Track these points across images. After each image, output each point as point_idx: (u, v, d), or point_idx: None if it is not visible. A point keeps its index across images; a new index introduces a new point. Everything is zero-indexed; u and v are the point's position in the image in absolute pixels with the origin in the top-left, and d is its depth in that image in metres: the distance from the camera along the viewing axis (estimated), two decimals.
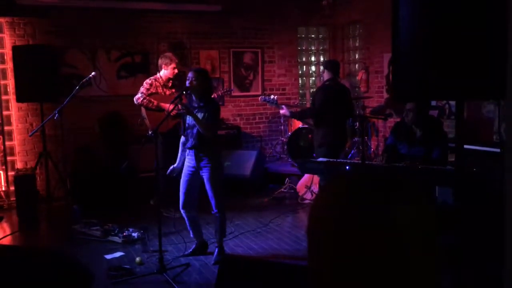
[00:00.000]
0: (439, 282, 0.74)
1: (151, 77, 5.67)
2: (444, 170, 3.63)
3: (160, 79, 5.61)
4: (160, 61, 5.71)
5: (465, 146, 3.97)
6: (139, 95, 5.49)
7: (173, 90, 5.69)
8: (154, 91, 5.54)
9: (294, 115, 5.68)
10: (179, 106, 4.21)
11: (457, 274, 2.28)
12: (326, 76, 5.30)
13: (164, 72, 5.61)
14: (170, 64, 5.58)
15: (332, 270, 0.71)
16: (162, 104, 5.44)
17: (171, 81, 5.70)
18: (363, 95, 7.75)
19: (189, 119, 4.18)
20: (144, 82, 5.61)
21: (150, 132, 4.77)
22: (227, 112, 7.72)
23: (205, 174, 4.19)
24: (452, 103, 6.10)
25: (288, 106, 5.88)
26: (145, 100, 5.45)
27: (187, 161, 4.27)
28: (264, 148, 8.03)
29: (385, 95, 7.56)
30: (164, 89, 5.62)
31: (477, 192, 3.32)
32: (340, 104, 5.23)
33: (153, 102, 5.46)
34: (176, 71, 5.64)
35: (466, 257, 2.76)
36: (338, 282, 0.70)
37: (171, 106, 4.41)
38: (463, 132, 2.48)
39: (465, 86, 2.12)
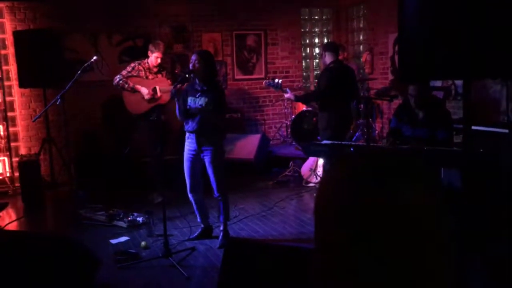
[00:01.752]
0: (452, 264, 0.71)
1: (138, 61, 5.60)
2: (451, 151, 3.59)
3: (146, 64, 5.54)
4: (149, 46, 5.64)
5: (472, 127, 3.92)
6: (117, 76, 5.47)
7: (159, 76, 5.58)
8: (135, 74, 5.50)
9: (299, 99, 5.63)
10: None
11: (463, 257, 2.26)
12: (329, 58, 5.24)
13: (150, 58, 5.54)
14: (154, 52, 5.48)
15: (338, 252, 0.70)
16: (137, 87, 5.42)
17: (156, 67, 5.59)
18: (367, 76, 7.67)
19: (191, 102, 4.14)
20: (128, 65, 5.58)
21: (153, 116, 4.77)
22: (230, 96, 7.66)
23: (206, 158, 4.17)
24: (458, 84, 6.04)
25: (291, 89, 5.82)
26: (121, 82, 5.42)
27: (187, 144, 4.24)
28: (268, 131, 7.99)
29: (390, 77, 7.48)
30: (147, 73, 5.53)
31: (485, 173, 3.28)
32: (345, 86, 5.18)
33: (128, 84, 5.42)
34: (159, 60, 5.53)
35: (472, 239, 2.74)
36: (344, 265, 0.69)
37: (176, 88, 4.31)
38: (470, 112, 2.43)
39: (472, 64, 2.08)
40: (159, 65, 5.56)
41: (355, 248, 0.68)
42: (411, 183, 0.69)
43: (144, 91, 5.37)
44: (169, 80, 5.54)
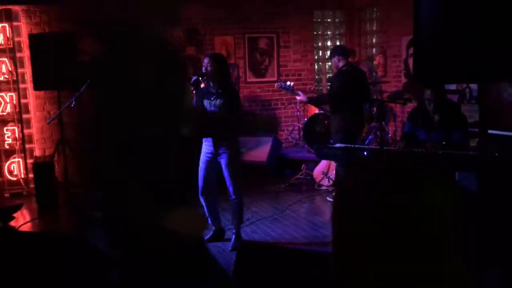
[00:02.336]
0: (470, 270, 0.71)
1: None
2: (467, 155, 3.55)
3: None
4: None
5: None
6: None
7: None
8: None
9: (311, 101, 5.62)
10: None
11: (479, 260, 2.23)
12: (341, 62, 5.23)
13: None
14: None
15: (356, 255, 0.71)
16: None
17: None
18: (380, 79, 7.63)
19: (206, 105, 4.15)
20: None
21: None
22: (242, 99, 7.66)
23: (223, 160, 4.18)
24: (473, 87, 5.98)
25: (304, 92, 5.81)
26: None
27: (204, 147, 4.25)
28: (280, 134, 7.98)
29: (403, 80, 7.43)
30: None
31: (500, 177, 3.24)
32: (357, 89, 5.16)
33: None
34: None
35: (488, 243, 2.70)
36: (362, 268, 0.70)
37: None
38: (486, 116, 2.41)
39: (488, 68, 2.06)
40: None
41: (372, 251, 0.68)
42: (427, 187, 0.70)
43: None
44: None
